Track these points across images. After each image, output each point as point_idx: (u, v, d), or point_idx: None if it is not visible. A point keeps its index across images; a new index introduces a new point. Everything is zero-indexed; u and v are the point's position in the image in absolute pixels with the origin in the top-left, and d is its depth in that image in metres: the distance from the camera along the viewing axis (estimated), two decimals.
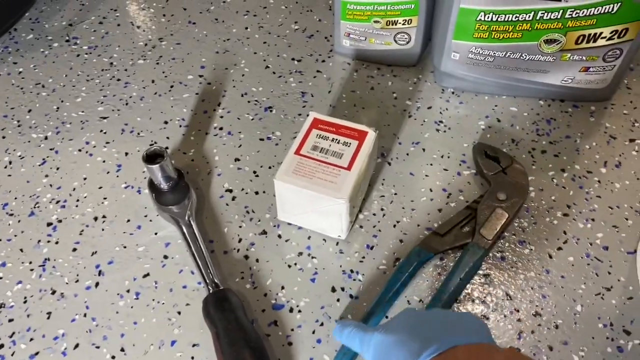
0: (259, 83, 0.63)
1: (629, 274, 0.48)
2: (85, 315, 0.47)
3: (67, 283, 0.49)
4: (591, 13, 0.50)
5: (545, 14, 0.50)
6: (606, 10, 0.50)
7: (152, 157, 0.49)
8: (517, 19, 0.51)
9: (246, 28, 0.69)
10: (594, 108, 0.60)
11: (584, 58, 0.54)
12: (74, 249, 0.51)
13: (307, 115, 0.51)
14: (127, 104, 0.61)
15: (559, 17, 0.51)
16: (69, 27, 0.69)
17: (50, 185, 0.55)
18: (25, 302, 0.47)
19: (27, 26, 0.69)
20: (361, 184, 0.49)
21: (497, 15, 0.51)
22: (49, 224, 0.52)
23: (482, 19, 0.52)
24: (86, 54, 0.66)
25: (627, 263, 0.49)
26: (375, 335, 0.37)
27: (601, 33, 0.52)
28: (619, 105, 0.60)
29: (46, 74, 0.64)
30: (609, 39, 0.52)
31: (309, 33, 0.68)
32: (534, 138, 0.57)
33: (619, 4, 0.49)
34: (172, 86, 0.63)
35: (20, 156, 0.57)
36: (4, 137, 0.59)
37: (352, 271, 0.49)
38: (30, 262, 0.50)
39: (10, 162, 0.57)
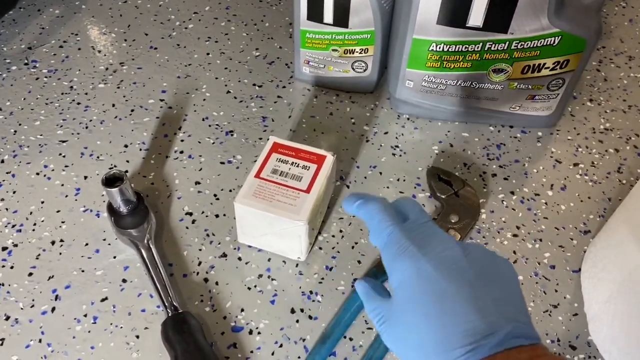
0: (220, 107, 0.64)
1: (574, 292, 0.50)
2: (40, 340, 0.46)
3: (22, 308, 0.48)
4: (534, 45, 0.53)
5: (493, 45, 0.53)
6: (548, 43, 0.53)
7: (111, 181, 0.49)
8: (466, 49, 0.54)
9: (208, 54, 0.70)
10: (541, 134, 0.63)
11: (530, 87, 0.57)
12: (30, 274, 0.50)
13: (268, 139, 0.53)
14: (87, 127, 0.61)
15: (505, 48, 0.54)
16: (28, 51, 0.69)
17: (6, 209, 0.54)
18: None
19: None
20: (320, 207, 0.51)
21: (448, 46, 0.54)
22: (4, 248, 0.51)
23: (434, 50, 0.55)
24: (45, 77, 0.66)
25: (573, 281, 0.51)
26: (420, 261, 0.32)
27: (545, 64, 0.55)
28: (564, 131, 0.63)
29: (3, 96, 0.64)
30: (552, 69, 0.55)
31: (269, 60, 0.70)
32: (485, 162, 0.60)
33: (560, 37, 0.52)
34: (132, 110, 0.63)
35: None
36: None
37: (311, 292, 0.50)
38: None
39: None
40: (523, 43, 0.53)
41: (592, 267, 0.50)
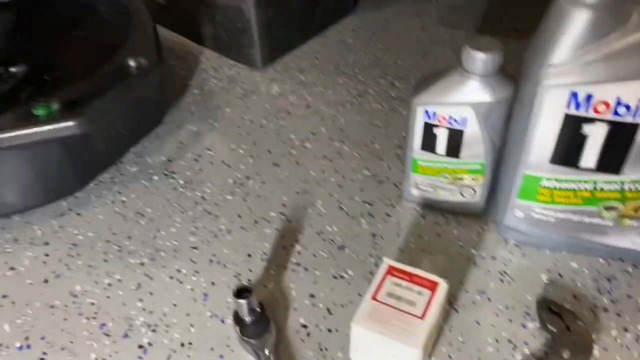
0: (333, 223, 0.69)
1: None
2: None
3: None
4: None
5: (605, 185, 0.56)
6: None
7: (240, 292, 0.54)
8: (578, 187, 0.56)
9: (323, 171, 0.76)
10: None
11: None
12: None
13: (377, 256, 0.56)
14: (216, 236, 0.68)
15: (618, 188, 0.55)
16: (168, 163, 0.78)
17: (144, 310, 0.60)
18: None
19: (132, 160, 0.79)
20: (433, 333, 0.53)
21: (559, 183, 0.57)
22: (140, 347, 0.57)
23: (545, 185, 0.58)
24: (182, 187, 0.75)
25: None
26: None
27: None
28: None
29: (146, 204, 0.73)
30: None
31: (379, 179, 0.75)
32: (595, 295, 0.60)
33: None
34: (256, 221, 0.70)
35: (118, 279, 0.63)
36: (105, 261, 0.66)
37: None
38: None
39: (109, 284, 0.63)
40: (637, 184, 0.55)
41: None
